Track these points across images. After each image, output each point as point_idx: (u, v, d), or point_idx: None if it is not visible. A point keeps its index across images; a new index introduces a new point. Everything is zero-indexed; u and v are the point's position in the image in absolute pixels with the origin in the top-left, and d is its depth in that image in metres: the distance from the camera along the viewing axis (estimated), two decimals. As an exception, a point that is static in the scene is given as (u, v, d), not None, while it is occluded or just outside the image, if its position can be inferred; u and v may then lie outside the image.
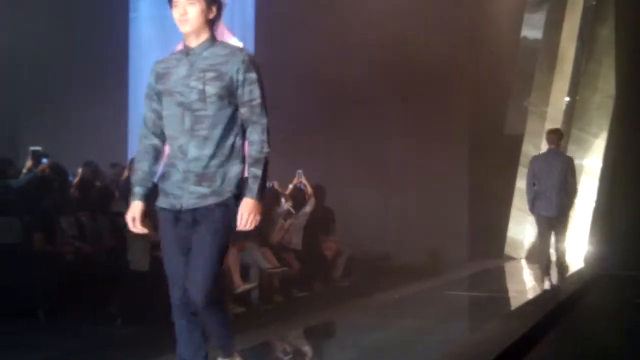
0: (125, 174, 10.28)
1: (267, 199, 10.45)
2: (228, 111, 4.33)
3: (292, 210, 10.61)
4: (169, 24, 4.61)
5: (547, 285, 10.12)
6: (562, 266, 10.52)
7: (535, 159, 10.59)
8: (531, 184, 10.21)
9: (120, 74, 16.64)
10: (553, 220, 10.09)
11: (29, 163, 9.32)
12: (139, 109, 17.54)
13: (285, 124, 14.68)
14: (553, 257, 10.47)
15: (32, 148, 9.62)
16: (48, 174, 9.11)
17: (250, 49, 15.98)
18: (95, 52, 15.91)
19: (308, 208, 10.88)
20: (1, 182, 8.85)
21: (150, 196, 4.47)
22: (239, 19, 16.58)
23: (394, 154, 14.64)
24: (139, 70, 17.32)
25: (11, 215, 8.57)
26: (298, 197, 10.93)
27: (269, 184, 10.85)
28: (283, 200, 10.80)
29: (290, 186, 11.03)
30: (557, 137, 10.33)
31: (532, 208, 10.26)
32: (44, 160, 9.20)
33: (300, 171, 11.05)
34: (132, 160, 10.50)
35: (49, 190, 8.77)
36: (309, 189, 11.09)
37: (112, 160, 12.32)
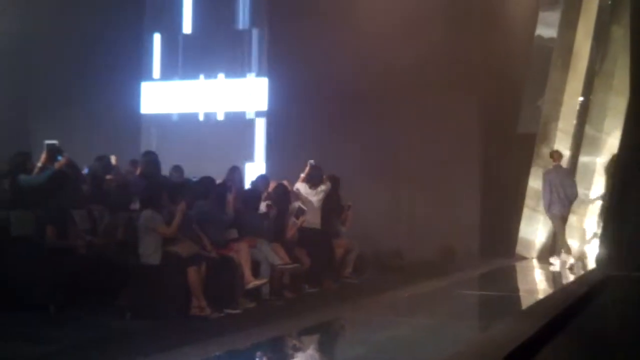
0: (139, 169, 10.31)
1: (278, 197, 10.48)
2: None
3: (304, 207, 10.61)
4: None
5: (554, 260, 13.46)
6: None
7: (548, 172, 13.43)
8: (548, 191, 13.27)
9: (133, 65, 16.75)
10: (562, 216, 13.41)
11: (43, 157, 9.35)
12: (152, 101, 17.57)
13: (296, 121, 14.74)
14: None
15: (48, 142, 9.64)
16: (64, 169, 9.15)
17: (261, 44, 16.06)
18: (108, 44, 15.99)
19: (324, 186, 10.95)
20: (21, 177, 8.91)
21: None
22: (249, 10, 16.64)
23: (406, 152, 14.62)
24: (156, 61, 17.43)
25: (25, 208, 8.60)
26: (314, 176, 10.96)
27: (278, 181, 10.88)
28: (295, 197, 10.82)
29: (302, 175, 11.06)
30: (558, 155, 13.44)
31: (548, 209, 13.40)
32: (60, 158, 9.21)
33: (312, 161, 11.09)
34: (144, 154, 10.52)
35: (64, 185, 8.78)
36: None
37: (120, 153, 12.33)
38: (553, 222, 13.71)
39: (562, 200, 13.26)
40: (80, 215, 8.92)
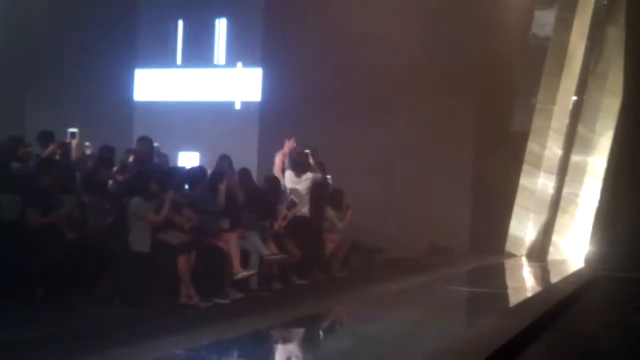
0: (131, 158, 10.26)
1: (269, 188, 10.45)
2: None
3: (296, 200, 10.57)
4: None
5: None
6: None
7: None
8: None
9: (127, 52, 16.73)
10: None
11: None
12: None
13: (289, 112, 14.72)
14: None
15: (70, 130, 9.88)
16: (53, 154, 9.19)
17: (259, 31, 16.01)
18: (102, 29, 15.98)
19: (311, 174, 10.83)
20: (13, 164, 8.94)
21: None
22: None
23: (399, 148, 14.66)
24: (148, 49, 17.34)
25: (15, 192, 8.57)
26: (300, 164, 10.81)
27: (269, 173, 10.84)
28: (287, 191, 10.78)
29: (278, 154, 10.87)
30: None
31: None
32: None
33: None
34: (139, 140, 10.40)
35: (51, 170, 8.71)
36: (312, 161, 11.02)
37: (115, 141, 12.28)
38: None
39: None
40: (70, 200, 8.84)
